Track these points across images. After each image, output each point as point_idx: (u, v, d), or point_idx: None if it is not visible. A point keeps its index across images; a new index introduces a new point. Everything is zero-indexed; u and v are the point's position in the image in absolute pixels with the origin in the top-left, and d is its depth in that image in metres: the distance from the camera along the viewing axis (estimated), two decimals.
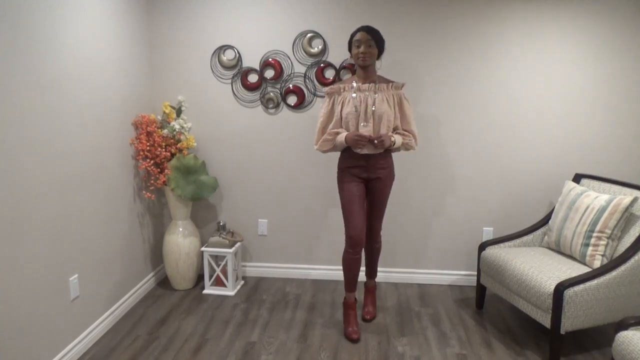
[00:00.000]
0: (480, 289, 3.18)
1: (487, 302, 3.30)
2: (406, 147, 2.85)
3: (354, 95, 2.74)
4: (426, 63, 3.35)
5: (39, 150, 2.26)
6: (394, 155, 2.95)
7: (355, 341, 2.77)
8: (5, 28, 2.04)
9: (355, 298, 2.94)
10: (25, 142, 2.16)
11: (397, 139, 2.78)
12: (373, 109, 2.71)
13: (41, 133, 2.27)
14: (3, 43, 2.03)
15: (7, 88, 2.05)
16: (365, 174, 2.81)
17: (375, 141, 2.66)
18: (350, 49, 2.78)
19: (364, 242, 2.84)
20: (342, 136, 2.74)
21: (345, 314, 2.91)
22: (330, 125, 2.80)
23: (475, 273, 3.42)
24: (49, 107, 2.33)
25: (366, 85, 2.75)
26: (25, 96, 2.16)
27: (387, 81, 2.82)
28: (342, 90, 2.78)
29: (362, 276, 3.36)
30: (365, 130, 2.71)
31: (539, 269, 2.67)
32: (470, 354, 2.67)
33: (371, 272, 3.15)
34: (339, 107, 2.77)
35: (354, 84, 2.76)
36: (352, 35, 2.74)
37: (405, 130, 2.84)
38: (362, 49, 2.69)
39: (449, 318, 3.09)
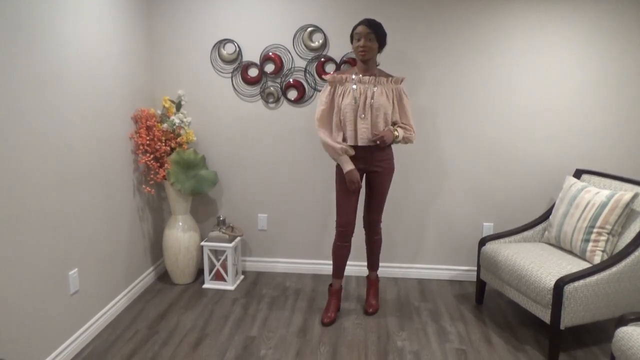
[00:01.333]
0: (480, 284, 3.18)
1: (486, 297, 3.30)
2: (406, 140, 2.88)
3: (354, 87, 2.74)
4: (427, 58, 3.33)
5: (39, 144, 2.25)
6: (394, 148, 2.95)
7: (324, 324, 2.88)
8: (7, 23, 2.03)
9: (341, 285, 3.03)
10: (25, 136, 2.15)
11: (400, 132, 2.81)
12: (372, 102, 2.71)
13: (41, 127, 2.26)
14: (4, 38, 2.01)
15: (8, 83, 2.04)
16: (363, 164, 2.82)
17: (378, 141, 2.71)
18: (352, 42, 2.78)
19: (351, 232, 2.90)
20: (345, 165, 2.74)
21: (328, 300, 3.01)
22: (334, 120, 2.80)
23: (475, 268, 3.41)
24: (49, 101, 2.31)
25: (367, 78, 2.75)
26: (25, 91, 2.15)
27: (387, 75, 2.82)
28: (344, 81, 2.78)
29: (365, 270, 3.38)
30: (364, 123, 2.72)
31: (539, 265, 2.66)
32: (469, 349, 2.67)
33: (372, 265, 3.15)
34: (340, 98, 2.77)
35: (354, 76, 2.76)
36: (354, 28, 2.74)
37: (405, 125, 2.86)
38: (361, 42, 2.69)
39: (449, 313, 3.09)
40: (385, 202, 2.99)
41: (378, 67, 2.86)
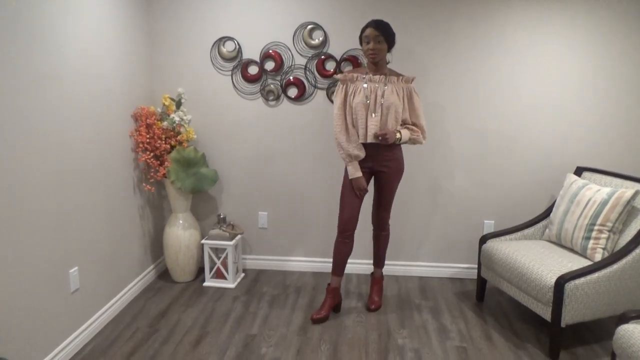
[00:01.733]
0: (481, 282, 3.18)
1: (487, 294, 3.30)
2: (413, 141, 2.87)
3: (365, 85, 2.74)
4: (430, 55, 3.32)
5: (39, 142, 2.24)
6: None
7: (312, 321, 2.88)
8: (7, 23, 2.02)
9: (340, 284, 3.00)
10: (25, 134, 2.15)
11: (404, 134, 2.79)
12: (382, 100, 2.71)
13: (41, 126, 2.26)
14: (4, 38, 2.01)
15: (8, 82, 2.04)
16: (370, 163, 2.83)
17: (380, 137, 2.69)
18: (361, 44, 2.78)
19: (353, 229, 2.90)
20: (353, 171, 2.77)
21: (325, 298, 2.99)
22: (347, 120, 2.78)
23: (476, 266, 3.41)
24: (49, 99, 2.31)
25: (377, 77, 2.75)
26: (25, 89, 2.14)
27: (398, 74, 2.83)
28: (355, 79, 2.77)
29: (370, 268, 3.38)
30: (374, 121, 2.72)
31: (540, 262, 2.66)
32: (470, 347, 2.67)
33: (378, 261, 3.16)
34: (351, 97, 2.77)
35: (364, 76, 2.77)
36: (362, 31, 2.74)
37: (414, 124, 2.86)
38: (371, 45, 2.70)
39: (450, 311, 3.09)
40: (393, 201, 3.01)
41: (388, 65, 2.86)
